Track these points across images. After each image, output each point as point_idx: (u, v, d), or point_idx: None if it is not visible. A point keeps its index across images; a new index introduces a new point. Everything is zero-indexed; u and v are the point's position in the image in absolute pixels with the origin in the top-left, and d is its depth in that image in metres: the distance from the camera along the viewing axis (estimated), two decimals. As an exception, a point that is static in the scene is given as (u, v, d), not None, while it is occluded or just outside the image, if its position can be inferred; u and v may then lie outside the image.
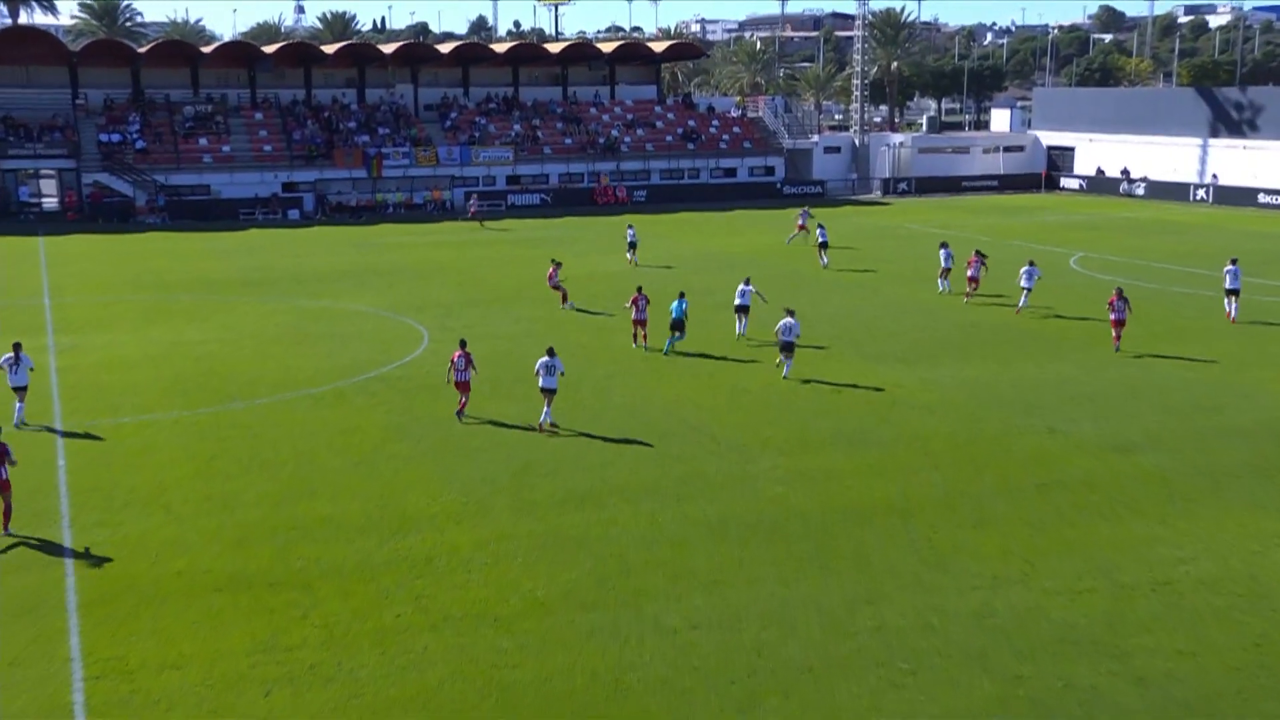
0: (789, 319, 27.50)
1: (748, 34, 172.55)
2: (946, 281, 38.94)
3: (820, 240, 45.62)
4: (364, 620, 15.17)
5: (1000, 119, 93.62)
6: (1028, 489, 19.74)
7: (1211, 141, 73.92)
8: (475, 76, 79.16)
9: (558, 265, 38.43)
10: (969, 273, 37.27)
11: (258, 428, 23.72)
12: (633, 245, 46.64)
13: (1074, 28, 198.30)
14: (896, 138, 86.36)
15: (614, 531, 18.15)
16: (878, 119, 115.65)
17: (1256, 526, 17.85)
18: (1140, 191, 74.67)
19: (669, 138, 78.27)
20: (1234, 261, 34.63)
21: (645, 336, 30.92)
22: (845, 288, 40.55)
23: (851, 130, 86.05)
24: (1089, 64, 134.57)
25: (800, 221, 52.86)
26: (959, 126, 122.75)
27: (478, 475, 20.81)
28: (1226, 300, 34.18)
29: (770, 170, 78.79)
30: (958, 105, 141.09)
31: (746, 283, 31.88)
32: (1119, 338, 30.25)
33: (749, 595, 15.81)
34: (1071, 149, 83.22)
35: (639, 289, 31.23)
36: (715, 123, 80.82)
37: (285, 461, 21.60)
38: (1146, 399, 25.36)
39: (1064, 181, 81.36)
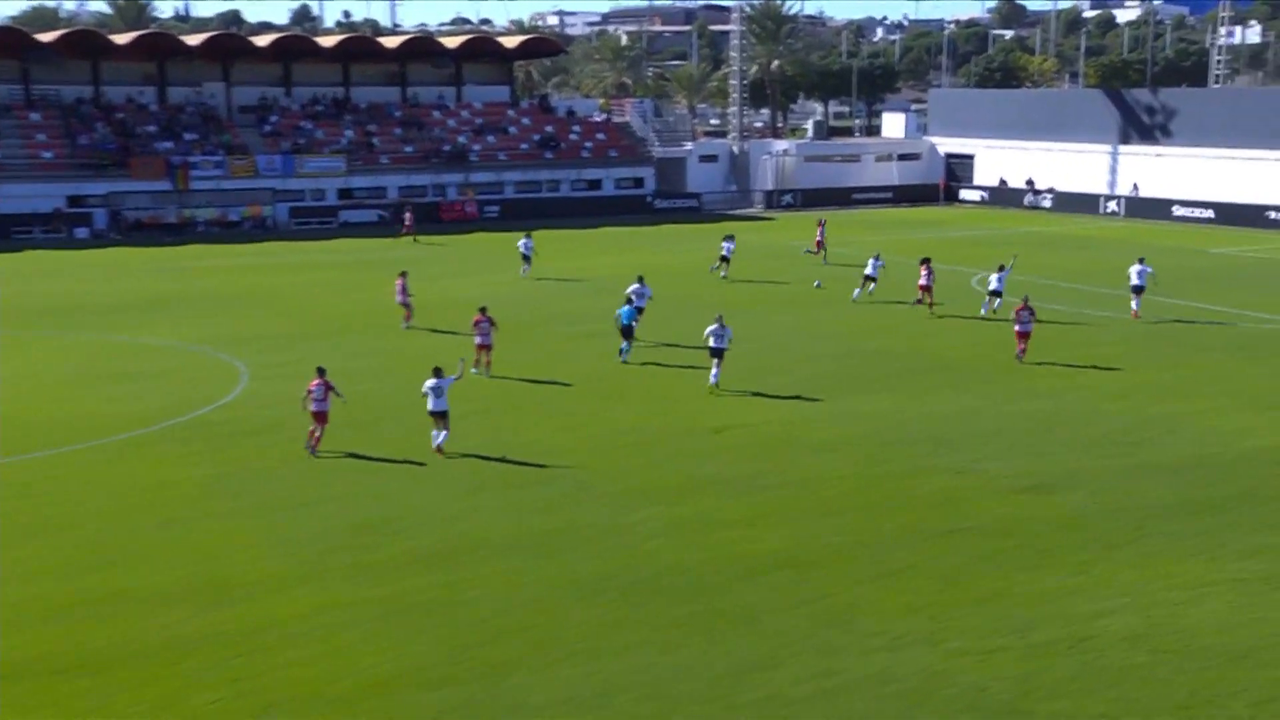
0: (716, 325, 29.94)
1: (612, 28, 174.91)
2: (862, 291, 42.20)
3: (724, 252, 48.79)
4: (170, 710, 14.72)
5: (893, 124, 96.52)
6: (934, 536, 20.30)
7: (1122, 148, 77.51)
8: (299, 74, 78.21)
9: (404, 276, 38.82)
10: (921, 282, 40.05)
11: (45, 485, 22.89)
12: (527, 258, 49.24)
13: (972, 23, 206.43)
14: (780, 145, 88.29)
15: (469, 595, 18.02)
16: (759, 124, 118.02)
17: (1181, 573, 18.68)
18: (1047, 204, 77.81)
19: (524, 145, 78.57)
20: (1141, 260, 40.12)
21: (489, 363, 31.69)
22: (732, 314, 40.98)
23: (730, 137, 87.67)
24: (989, 62, 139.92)
25: (819, 236, 53.51)
26: (849, 132, 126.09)
27: (310, 533, 20.44)
28: (1134, 299, 39.08)
29: (639, 182, 79.70)
30: (847, 108, 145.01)
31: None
32: (1024, 350, 32.81)
33: (624, 665, 15.85)
34: (971, 157, 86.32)
35: (482, 310, 31.87)
36: (576, 129, 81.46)
37: (79, 524, 20.89)
38: (1061, 433, 26.34)
39: (964, 193, 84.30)
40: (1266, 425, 26.66)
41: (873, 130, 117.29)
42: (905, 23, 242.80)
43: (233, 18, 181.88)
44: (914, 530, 20.58)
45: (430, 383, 24.74)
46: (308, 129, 74.49)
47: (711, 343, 30.20)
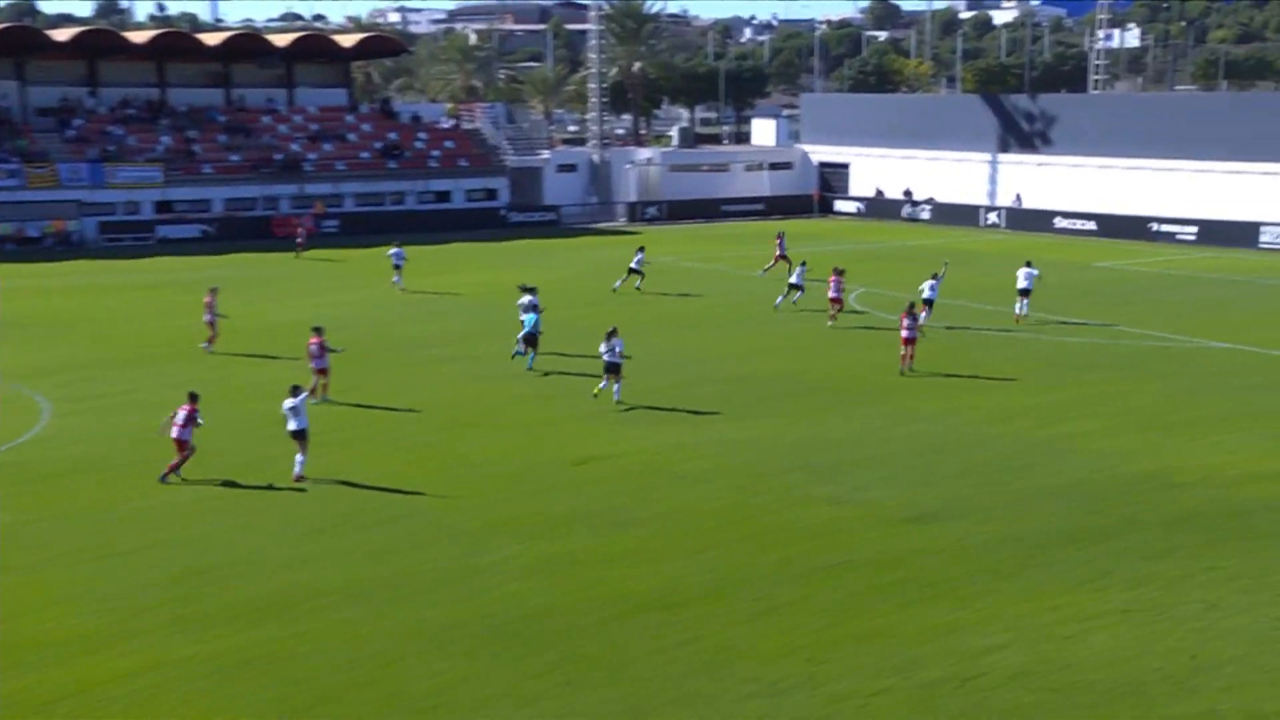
0: (610, 339, 31.11)
1: (460, 26, 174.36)
2: (785, 298, 45.19)
3: (634, 265, 50.19)
4: (-33, 793, 14.12)
5: (764, 130, 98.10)
6: (813, 572, 20.58)
7: (1002, 157, 79.99)
8: (107, 73, 76.28)
9: (214, 293, 38.40)
10: (831, 294, 41.56)
11: None
12: (398, 268, 50.69)
13: (844, 23, 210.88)
14: (644, 153, 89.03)
15: (305, 649, 17.69)
16: (620, 131, 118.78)
17: (1069, 605, 19.23)
18: (925, 215, 79.85)
19: (365, 154, 77.87)
20: (1029, 264, 43.86)
21: (326, 387, 31.66)
22: (595, 333, 41.15)
23: (589, 145, 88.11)
24: (863, 65, 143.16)
25: (779, 251, 54.15)
26: (717, 139, 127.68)
27: (126, 585, 19.86)
28: (1018, 301, 42.69)
29: (492, 194, 79.64)
30: (715, 114, 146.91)
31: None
32: (910, 357, 34.66)
33: (483, 722, 15.72)
34: (846, 166, 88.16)
35: (317, 330, 31.76)
36: (422, 136, 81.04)
37: None
38: (945, 459, 26.97)
39: (839, 204, 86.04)
40: (1152, 447, 27.67)
41: (742, 137, 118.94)
42: (774, 22, 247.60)
43: (26, 9, 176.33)
44: (792, 565, 20.83)
45: (289, 402, 25.02)
46: (118, 134, 72.63)
47: (606, 358, 31.18)
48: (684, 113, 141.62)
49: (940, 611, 18.94)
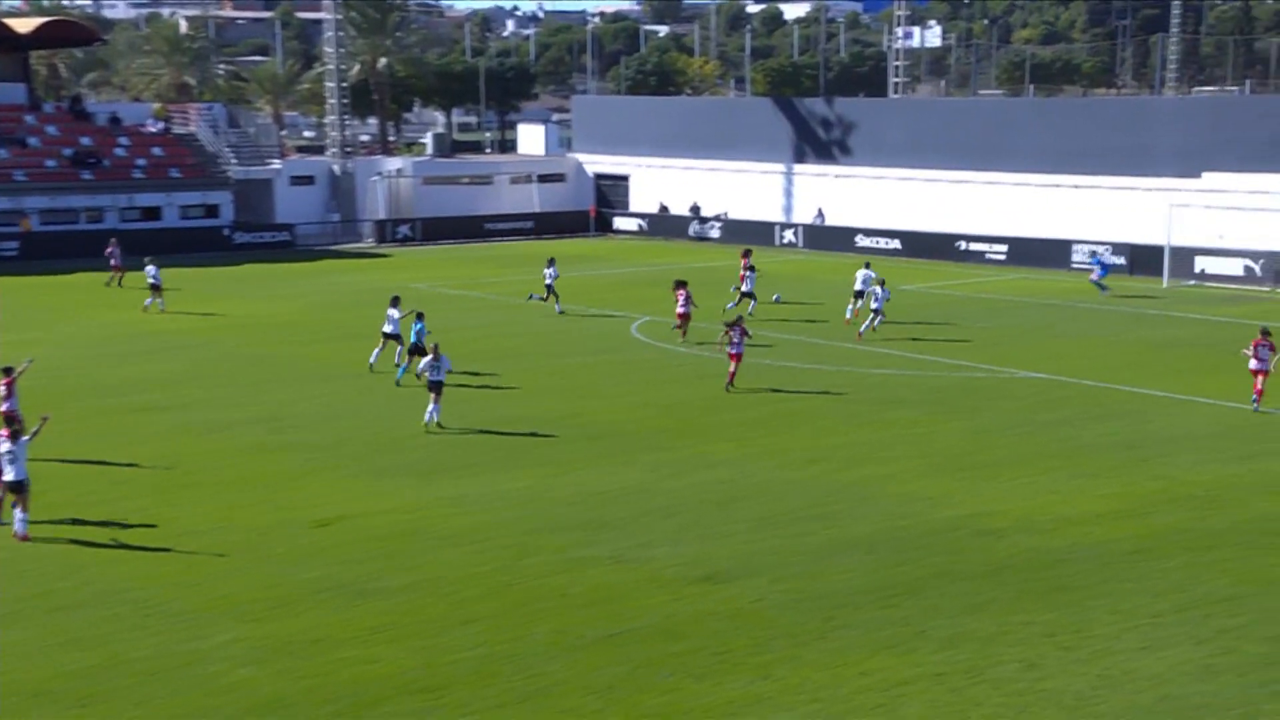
0: (431, 356, 33.49)
1: (167, 12, 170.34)
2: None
3: (549, 281, 52.67)
4: None
5: (532, 137, 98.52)
6: (591, 643, 20.67)
7: (798, 168, 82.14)
8: None
9: None
10: (679, 309, 45.27)
11: None
12: (156, 288, 52.71)
13: (619, 16, 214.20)
14: (393, 163, 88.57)
15: (-11, 764, 16.93)
16: (365, 137, 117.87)
17: (877, 670, 19.75)
18: (715, 233, 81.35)
19: (51, 162, 75.48)
20: (867, 265, 50.89)
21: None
22: (338, 376, 40.80)
23: (329, 153, 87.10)
24: (641, 64, 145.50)
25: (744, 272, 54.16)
26: (478, 147, 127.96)
27: None
28: (851, 303, 48.94)
29: (213, 210, 78.19)
30: (474, 118, 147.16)
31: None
32: (734, 375, 37.83)
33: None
34: (625, 178, 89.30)
35: (5, 371, 31.12)
36: (124, 141, 78.93)
37: None
38: (740, 509, 27.46)
39: (618, 221, 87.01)
40: (963, 490, 28.73)
41: (507, 146, 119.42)
42: (540, 14, 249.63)
43: None
44: (567, 636, 20.90)
45: (5, 448, 25.02)
46: None
47: (429, 376, 33.35)
48: (439, 117, 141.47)
49: (735, 684, 19.24)
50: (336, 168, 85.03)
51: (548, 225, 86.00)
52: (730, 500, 28.09)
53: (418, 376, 35.44)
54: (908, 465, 30.80)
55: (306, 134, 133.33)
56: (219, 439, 33.27)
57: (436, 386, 33.44)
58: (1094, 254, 61.18)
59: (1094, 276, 57.54)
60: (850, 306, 49.32)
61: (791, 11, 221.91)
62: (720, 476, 29.87)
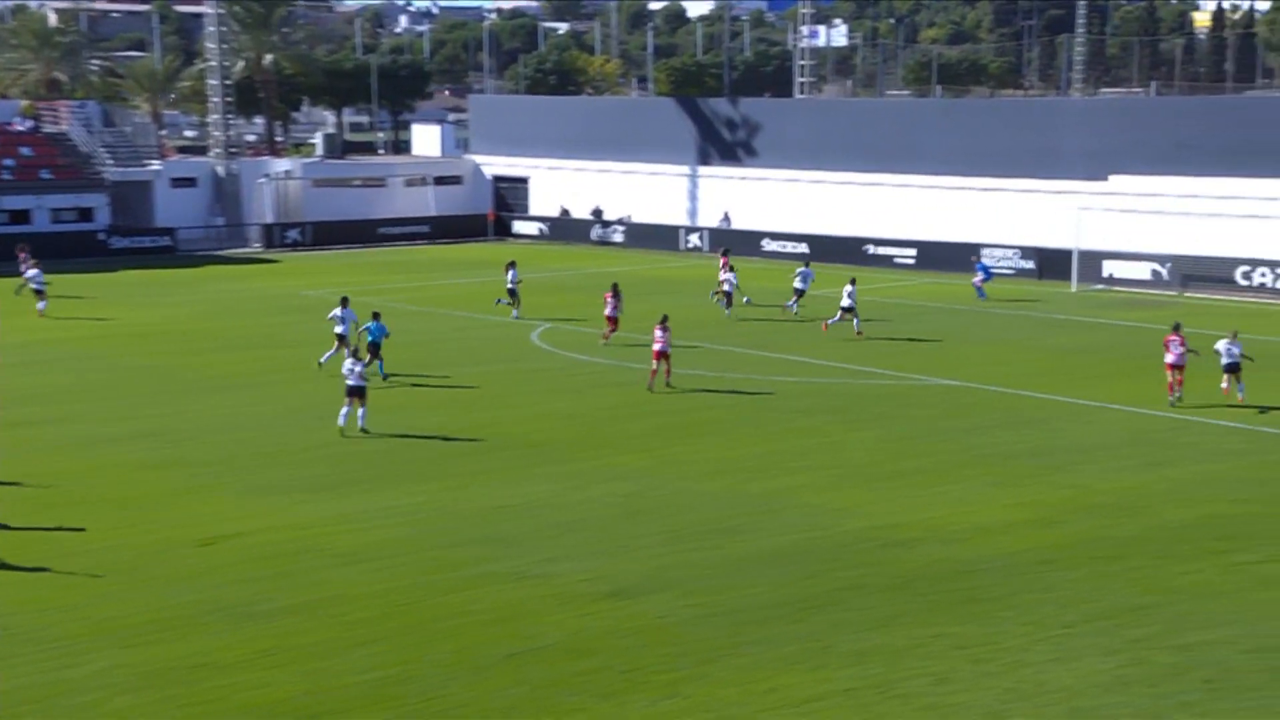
0: (349, 362, 34.16)
1: (34, 3, 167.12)
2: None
3: (511, 285, 52.82)
4: None
5: (427, 138, 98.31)
6: (494, 663, 20.65)
7: (703, 170, 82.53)
8: None
9: None
10: (606, 311, 46.05)
11: None
12: (40, 293, 53.00)
13: (517, 13, 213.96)
14: (281, 165, 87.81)
15: None
16: (251, 137, 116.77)
17: (787, 687, 19.87)
18: (619, 237, 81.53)
19: (-93, 162, 73.97)
20: (806, 262, 56.00)
21: None
22: (226, 388, 40.45)
23: (212, 154, 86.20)
24: (541, 63, 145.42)
25: (724, 275, 55.20)
26: (371, 148, 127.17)
27: None
28: (793, 300, 52.62)
29: (87, 214, 77.21)
30: (367, 118, 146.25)
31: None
32: (662, 372, 39.20)
33: None
34: (525, 180, 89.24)
35: None
36: (-11, 141, 77.56)
37: None
38: (647, 523, 27.56)
39: (518, 225, 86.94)
40: (873, 501, 29.07)
41: (401, 146, 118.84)
42: (435, 10, 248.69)
43: None
44: (469, 656, 20.87)
45: None
46: None
47: (349, 381, 33.85)
48: (329, 116, 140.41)
49: (642, 703, 19.33)
50: (220, 169, 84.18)
51: (444, 229, 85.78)
52: (637, 513, 28.20)
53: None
54: (818, 475, 31.11)
55: (188, 134, 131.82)
56: (101, 454, 32.87)
57: (357, 391, 33.93)
58: (977, 259, 61.70)
59: (976, 280, 58.67)
60: (792, 301, 52.87)
61: (695, 9, 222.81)
62: (626, 489, 29.97)
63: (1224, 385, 37.23)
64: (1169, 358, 37.28)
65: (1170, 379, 37.32)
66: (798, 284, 53.00)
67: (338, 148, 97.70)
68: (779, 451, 33.33)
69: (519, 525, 27.38)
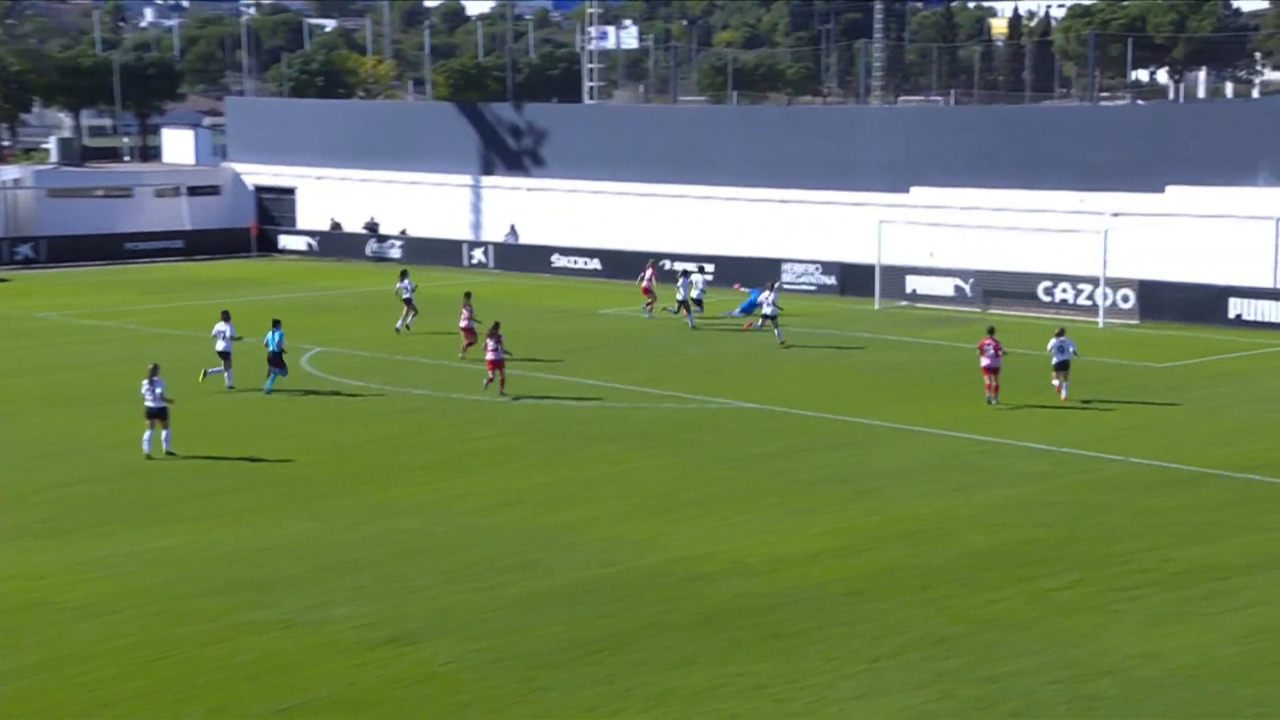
0: (146, 383, 34.43)
1: None
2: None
3: (407, 295, 53.66)
4: None
5: (179, 144, 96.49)
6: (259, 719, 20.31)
7: (486, 180, 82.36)
8: None
9: None
10: (462, 324, 47.43)
11: None
12: None
13: (279, 8, 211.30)
14: (9, 172, 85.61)
15: None
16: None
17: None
18: (396, 253, 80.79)
19: None
20: (700, 269, 58.97)
21: None
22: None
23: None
24: (306, 62, 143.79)
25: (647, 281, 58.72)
26: (115, 154, 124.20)
27: None
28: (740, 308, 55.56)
29: None
30: (109, 121, 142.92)
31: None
32: (497, 380, 41.23)
33: None
34: (292, 191, 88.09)
35: None
36: None
37: None
38: (429, 561, 27.33)
39: (284, 240, 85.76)
40: (672, 532, 29.23)
41: (150, 153, 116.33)
42: (184, 4, 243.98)
43: None
44: (227, 715, 20.47)
45: None
46: None
47: (148, 402, 34.42)
48: (65, 119, 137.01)
49: (424, 757, 19.16)
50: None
51: (201, 244, 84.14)
52: (416, 552, 27.95)
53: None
54: (612, 506, 31.19)
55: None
56: None
57: (158, 413, 34.69)
58: (771, 285, 61.36)
59: (737, 310, 57.75)
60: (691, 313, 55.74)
61: (474, 8, 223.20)
62: (404, 525, 29.69)
63: (1055, 382, 40.33)
64: (984, 361, 39.65)
65: (987, 382, 39.85)
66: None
67: (76, 153, 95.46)
68: (572, 480, 33.37)
69: (285, 568, 26.94)
